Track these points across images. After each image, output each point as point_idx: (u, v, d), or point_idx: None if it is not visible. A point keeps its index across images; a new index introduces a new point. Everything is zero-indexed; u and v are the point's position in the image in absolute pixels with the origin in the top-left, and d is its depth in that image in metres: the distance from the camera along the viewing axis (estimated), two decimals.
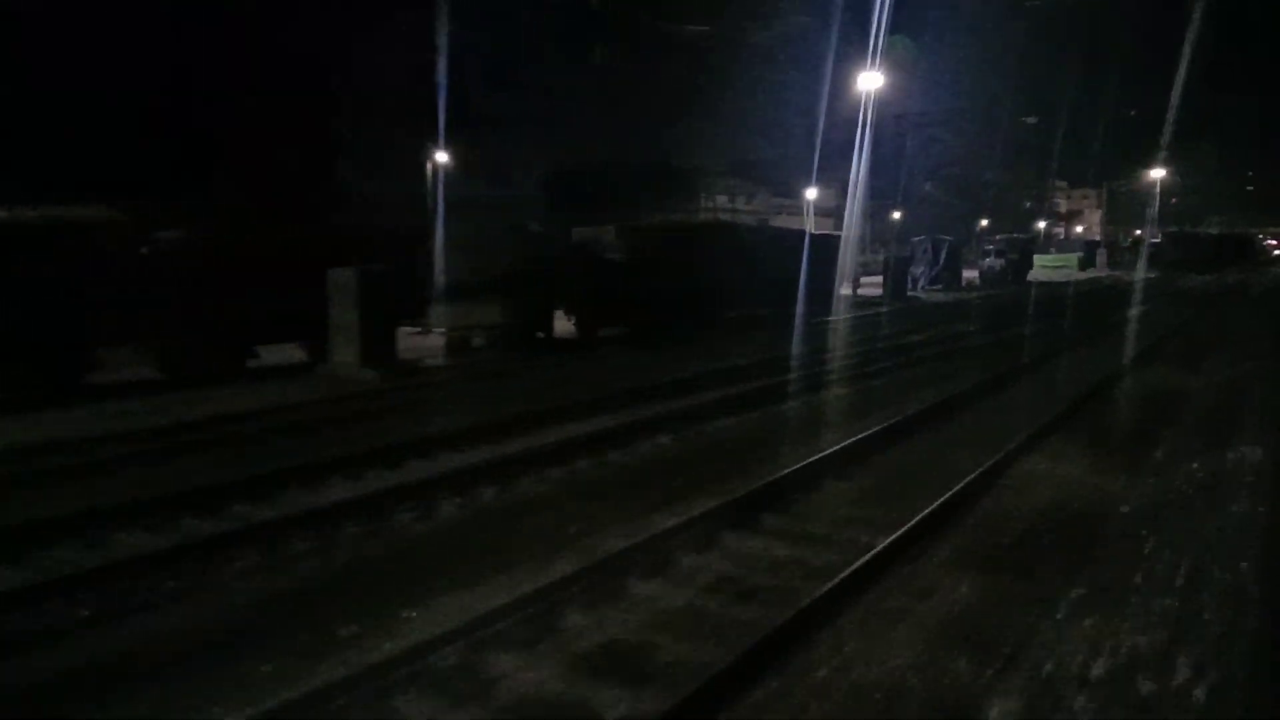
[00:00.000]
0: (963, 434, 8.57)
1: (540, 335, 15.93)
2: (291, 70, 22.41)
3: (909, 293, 32.21)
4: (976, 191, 79.00)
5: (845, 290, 29.85)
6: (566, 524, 5.87)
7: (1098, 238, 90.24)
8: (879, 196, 68.58)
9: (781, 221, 57.25)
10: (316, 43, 22.72)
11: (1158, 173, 74.45)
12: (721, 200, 58.10)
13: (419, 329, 14.55)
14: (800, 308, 22.02)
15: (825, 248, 28.43)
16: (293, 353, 13.11)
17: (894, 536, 5.27)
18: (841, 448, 7.48)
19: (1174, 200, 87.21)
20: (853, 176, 55.08)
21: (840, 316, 22.76)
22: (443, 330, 14.39)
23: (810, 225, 44.52)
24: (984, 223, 77.31)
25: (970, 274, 41.35)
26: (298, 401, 9.80)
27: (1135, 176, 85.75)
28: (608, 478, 7.29)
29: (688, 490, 6.59)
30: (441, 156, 27.20)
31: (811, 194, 43.11)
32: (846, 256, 51.38)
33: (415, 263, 13.73)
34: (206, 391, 10.42)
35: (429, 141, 26.17)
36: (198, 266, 11.43)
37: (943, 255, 35.23)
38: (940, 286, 35.69)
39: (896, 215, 57.93)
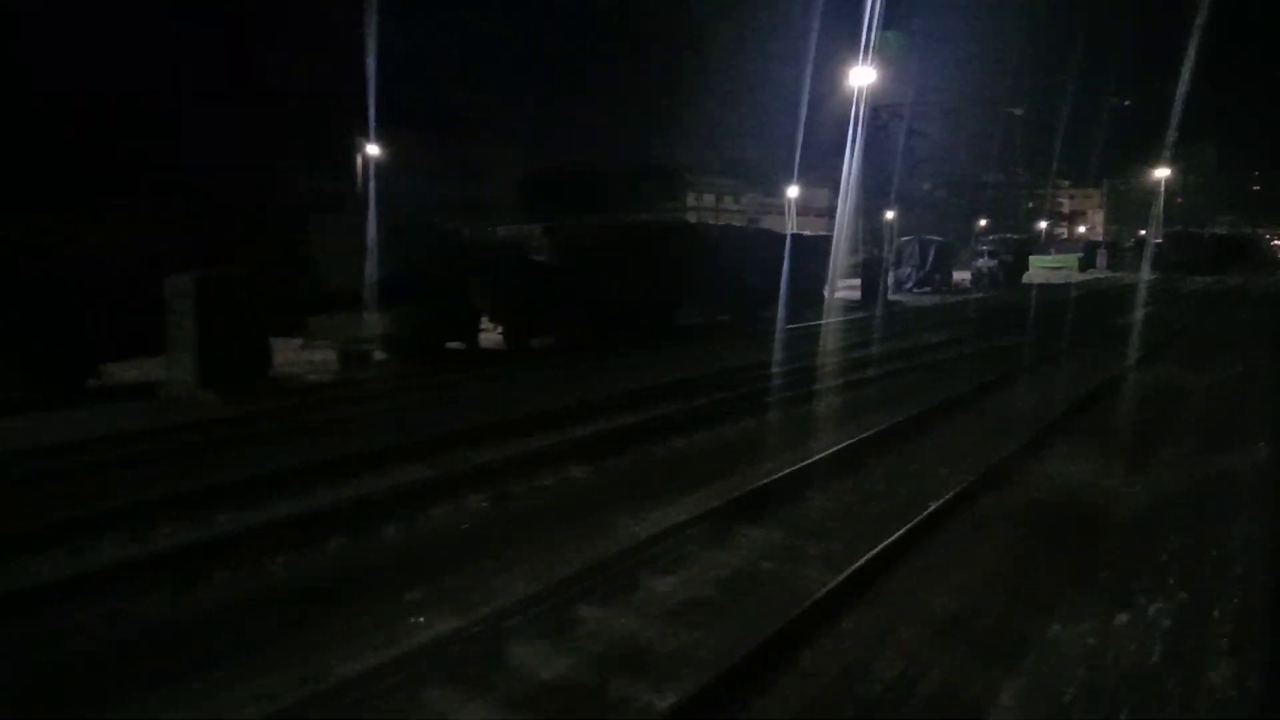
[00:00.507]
0: (874, 491, 6.91)
1: (458, 346, 14.31)
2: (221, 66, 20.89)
3: (892, 296, 30.55)
4: (975, 190, 77.38)
5: (828, 293, 28.29)
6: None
7: (1101, 238, 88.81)
8: (875, 196, 67.13)
9: (770, 222, 55.59)
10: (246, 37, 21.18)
11: (1161, 172, 72.87)
12: (709, 200, 56.45)
13: (307, 341, 12.88)
14: (781, 311, 20.57)
15: (810, 249, 26.85)
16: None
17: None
18: (733, 500, 6.06)
19: (1179, 200, 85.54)
20: (844, 175, 53.42)
21: (815, 323, 21.13)
22: (328, 344, 12.71)
23: (793, 225, 42.94)
24: (983, 223, 75.59)
25: (963, 276, 39.64)
26: (100, 435, 8.11)
27: (1138, 176, 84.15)
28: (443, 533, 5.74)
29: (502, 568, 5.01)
30: (373, 150, 25.52)
31: (793, 192, 41.42)
32: (838, 258, 49.62)
33: (301, 265, 12.11)
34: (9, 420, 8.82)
35: (358, 136, 24.56)
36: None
37: (930, 256, 33.49)
38: (929, 289, 34.01)
39: (889, 215, 56.22)
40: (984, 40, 66.37)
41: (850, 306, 25.78)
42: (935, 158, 69.56)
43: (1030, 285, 39.48)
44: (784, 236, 27.17)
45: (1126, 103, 74.16)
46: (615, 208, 24.36)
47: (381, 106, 22.17)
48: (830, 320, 21.54)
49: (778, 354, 14.02)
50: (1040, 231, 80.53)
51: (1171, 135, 63.90)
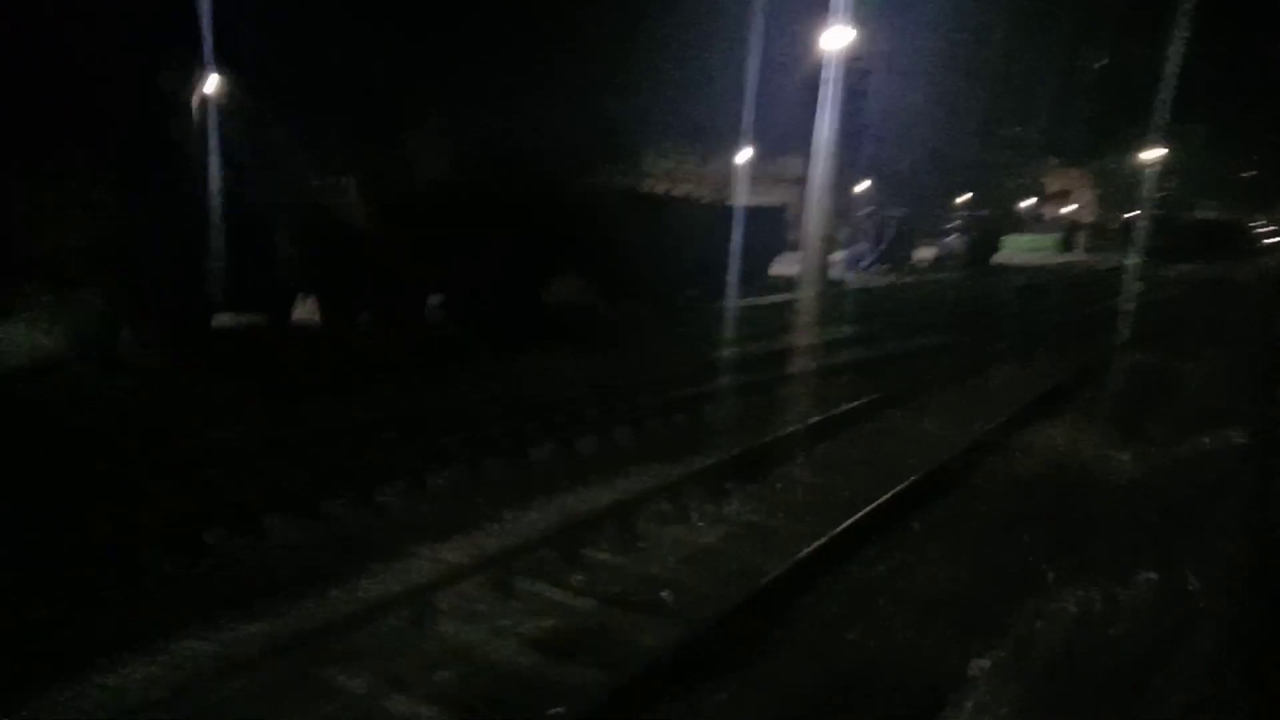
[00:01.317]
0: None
1: (258, 320, 11.55)
2: None
3: (843, 275, 27.81)
4: (955, 165, 74.06)
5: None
6: None
7: (1088, 219, 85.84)
8: (849, 167, 64.06)
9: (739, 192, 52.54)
10: None
11: (1150, 153, 70.06)
12: (666, 166, 53.36)
13: None
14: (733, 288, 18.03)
15: (759, 222, 24.09)
16: None
17: None
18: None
19: (1165, 186, 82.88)
20: (815, 141, 50.49)
21: (738, 304, 18.44)
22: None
23: (745, 195, 39.92)
24: (960, 200, 72.47)
25: (929, 255, 36.82)
26: None
27: (1126, 157, 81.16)
28: None
29: None
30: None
31: (744, 157, 38.35)
32: (812, 229, 46.79)
33: None
34: None
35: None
36: None
37: (889, 233, 30.69)
38: (887, 267, 31.24)
39: (860, 187, 53.28)
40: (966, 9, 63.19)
41: (786, 287, 22.98)
42: (915, 129, 66.50)
43: (998, 267, 36.79)
44: (721, 208, 24.38)
45: (1101, 63, 70.35)
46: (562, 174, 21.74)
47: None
48: (753, 301, 18.83)
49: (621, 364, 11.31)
50: (1018, 210, 77.55)
51: (1161, 116, 61.02)
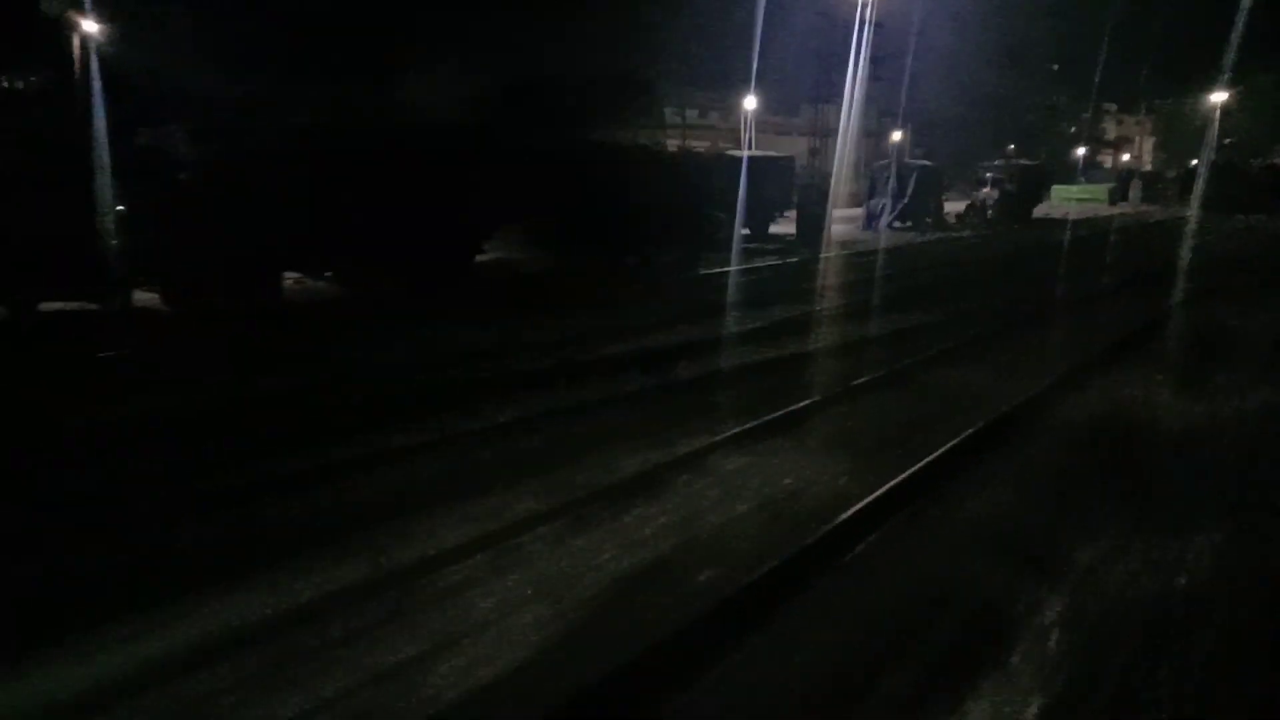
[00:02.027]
0: None
1: (83, 307, 9.60)
2: None
3: (859, 232, 25.33)
4: (1003, 110, 69.91)
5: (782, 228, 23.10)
6: None
7: (1145, 168, 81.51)
8: (886, 115, 60.67)
9: (768, 142, 49.62)
10: None
11: (1218, 96, 65.60)
12: (692, 117, 50.49)
13: None
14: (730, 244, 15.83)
15: (765, 175, 21.76)
16: None
17: None
18: None
19: (1233, 131, 77.90)
20: (847, 90, 47.46)
21: (717, 270, 16.22)
22: None
23: (751, 143, 37.26)
24: (1009, 148, 68.48)
25: (959, 208, 33.83)
26: None
27: (1190, 101, 76.42)
28: None
29: None
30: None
31: (750, 104, 35.79)
32: (838, 185, 44.13)
33: None
34: None
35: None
36: None
37: (910, 184, 27.91)
38: (909, 224, 28.54)
39: (896, 136, 49.89)
40: None
41: (782, 249, 20.54)
42: (962, 73, 62.60)
43: (1037, 221, 33.75)
44: (707, 159, 22.05)
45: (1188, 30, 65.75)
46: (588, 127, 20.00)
47: None
48: (733, 266, 16.51)
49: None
50: (1073, 157, 73.38)
51: (1230, 57, 57.17)
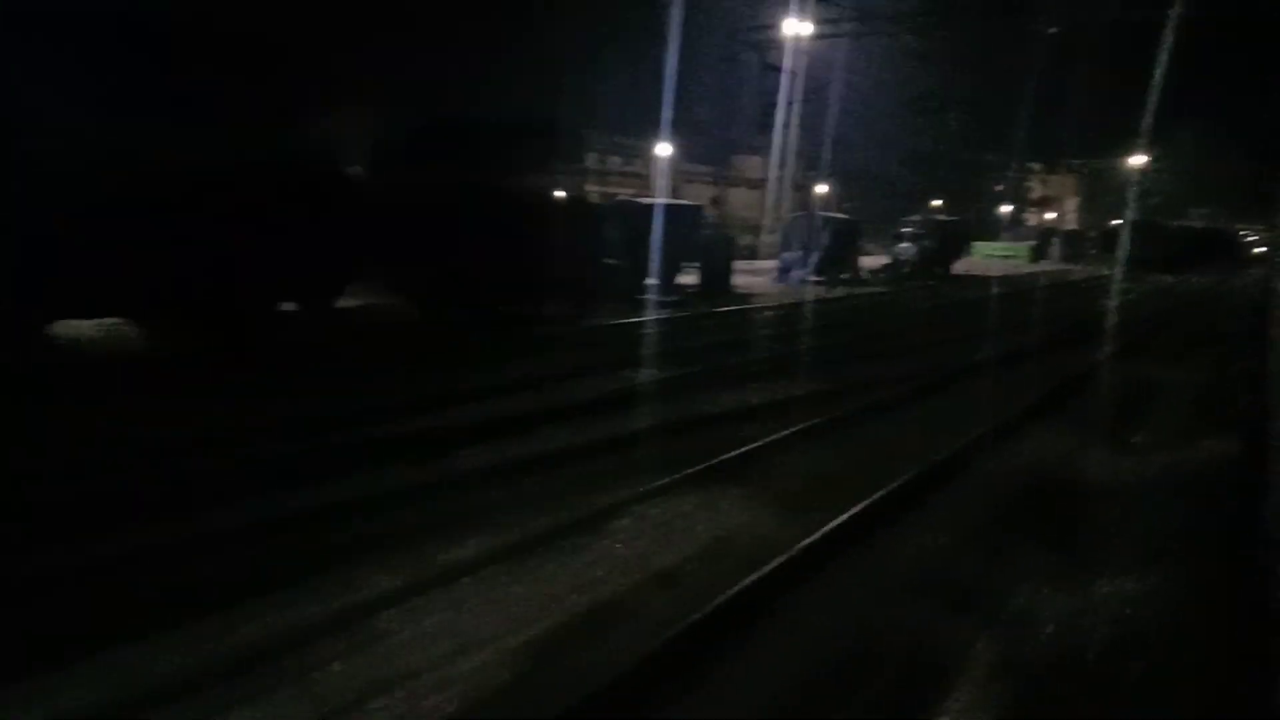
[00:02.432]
0: None
1: None
2: None
3: (770, 284, 24.25)
4: (932, 167, 70.23)
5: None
6: None
7: (1072, 226, 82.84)
8: (813, 168, 60.49)
9: (693, 192, 48.83)
10: None
11: (1137, 158, 66.98)
12: (615, 163, 49.59)
13: None
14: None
15: (674, 222, 20.45)
16: None
17: None
18: None
19: (1154, 192, 79.59)
20: (775, 140, 46.87)
21: (603, 322, 14.86)
22: None
23: (672, 191, 36.36)
24: (935, 203, 68.73)
25: (881, 261, 33.02)
26: None
27: (1111, 161, 77.81)
28: None
29: None
30: None
31: (663, 151, 34.91)
32: (762, 236, 43.14)
33: None
34: None
35: None
36: None
37: (826, 237, 27.00)
38: (824, 278, 27.57)
39: (820, 189, 49.50)
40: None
41: (681, 301, 19.24)
42: (884, 127, 62.92)
43: (956, 278, 33.17)
44: (614, 205, 20.93)
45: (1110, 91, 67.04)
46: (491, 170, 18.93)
47: None
48: (619, 321, 15.16)
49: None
50: (998, 215, 74.17)
51: (1149, 120, 58.40)
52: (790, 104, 43.60)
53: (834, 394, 9.46)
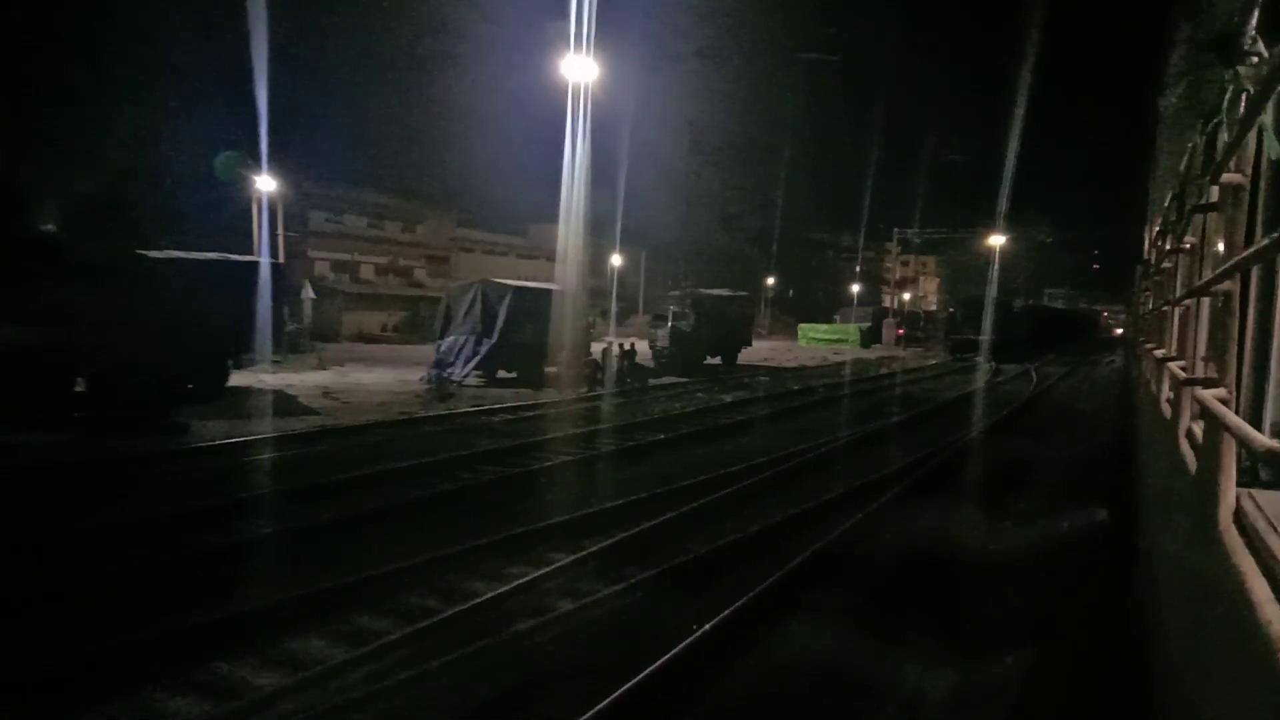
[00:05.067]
0: None
1: None
2: None
3: (427, 383, 15.29)
4: (778, 244, 63.03)
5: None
6: None
7: (931, 307, 78.33)
8: (636, 241, 52.49)
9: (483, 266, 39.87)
10: None
11: (994, 239, 61.86)
12: (355, 224, 40.28)
13: None
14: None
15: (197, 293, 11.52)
16: None
17: None
18: None
19: (1013, 273, 75.15)
20: (563, 205, 38.31)
21: None
22: None
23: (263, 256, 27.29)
24: (769, 280, 61.70)
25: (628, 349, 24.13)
26: None
27: (969, 243, 73.06)
28: None
29: None
30: None
31: (268, 184, 25.93)
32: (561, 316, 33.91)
33: None
34: None
35: None
36: None
37: (501, 317, 18.14)
38: (513, 373, 18.78)
39: (616, 260, 41.10)
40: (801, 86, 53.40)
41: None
42: (704, 194, 55.68)
43: (730, 370, 24.74)
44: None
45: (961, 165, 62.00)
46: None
47: None
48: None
49: None
50: (848, 294, 67.67)
51: (1004, 203, 53.80)
52: (575, 154, 35.27)
53: None
